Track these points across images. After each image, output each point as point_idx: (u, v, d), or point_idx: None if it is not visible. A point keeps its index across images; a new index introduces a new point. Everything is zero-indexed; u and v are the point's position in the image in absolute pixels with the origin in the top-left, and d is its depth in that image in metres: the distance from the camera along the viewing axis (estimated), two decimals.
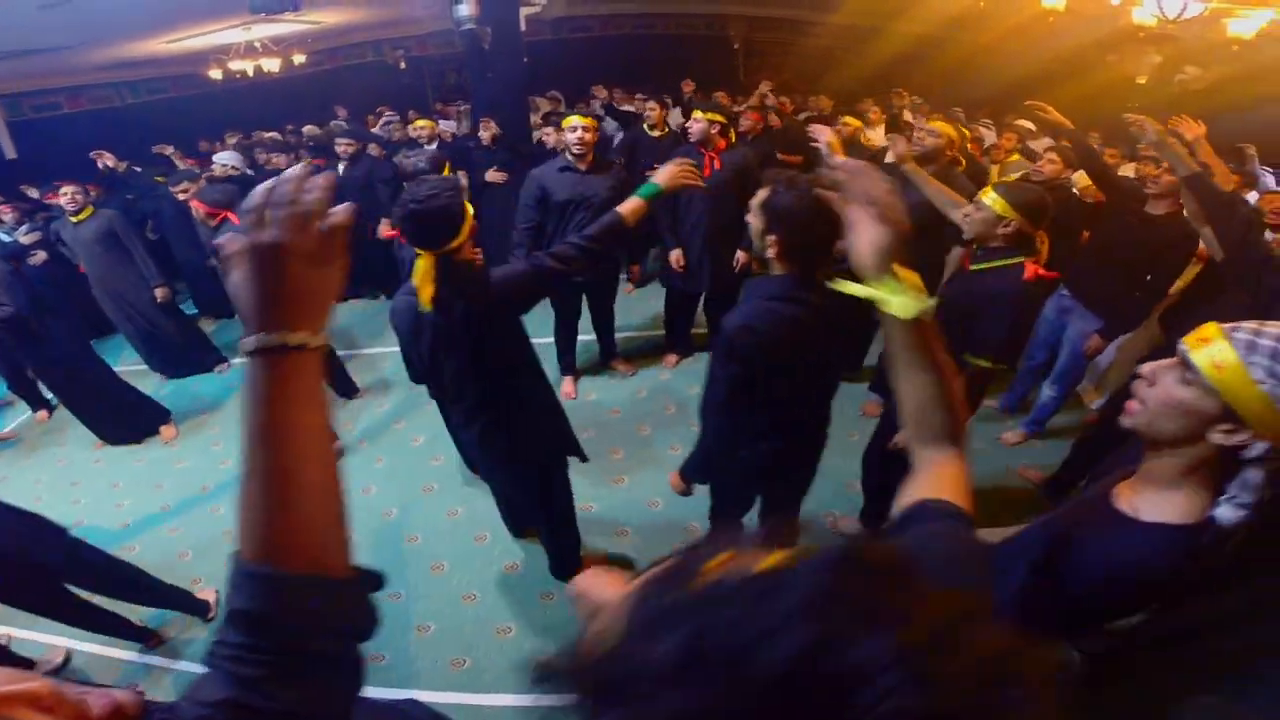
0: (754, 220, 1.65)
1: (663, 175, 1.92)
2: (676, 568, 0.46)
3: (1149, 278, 2.90)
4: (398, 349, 2.05)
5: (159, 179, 4.95)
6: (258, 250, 0.61)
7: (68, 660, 2.47)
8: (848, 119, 4.39)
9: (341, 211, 0.65)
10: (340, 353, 4.57)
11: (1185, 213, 2.60)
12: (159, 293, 4.15)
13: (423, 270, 1.77)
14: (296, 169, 0.64)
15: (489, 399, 2.01)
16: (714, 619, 0.36)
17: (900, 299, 0.81)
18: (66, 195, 4.01)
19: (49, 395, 4.35)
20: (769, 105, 5.42)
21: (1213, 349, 0.92)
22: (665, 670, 0.35)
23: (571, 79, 7.44)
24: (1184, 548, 0.97)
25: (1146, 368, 1.04)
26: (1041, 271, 1.98)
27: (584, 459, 2.31)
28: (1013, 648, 0.35)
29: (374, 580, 0.72)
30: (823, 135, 2.48)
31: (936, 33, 8.11)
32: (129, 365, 4.53)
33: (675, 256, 3.55)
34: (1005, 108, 4.16)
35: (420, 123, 5.09)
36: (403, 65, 8.83)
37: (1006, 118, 5.51)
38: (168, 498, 3.32)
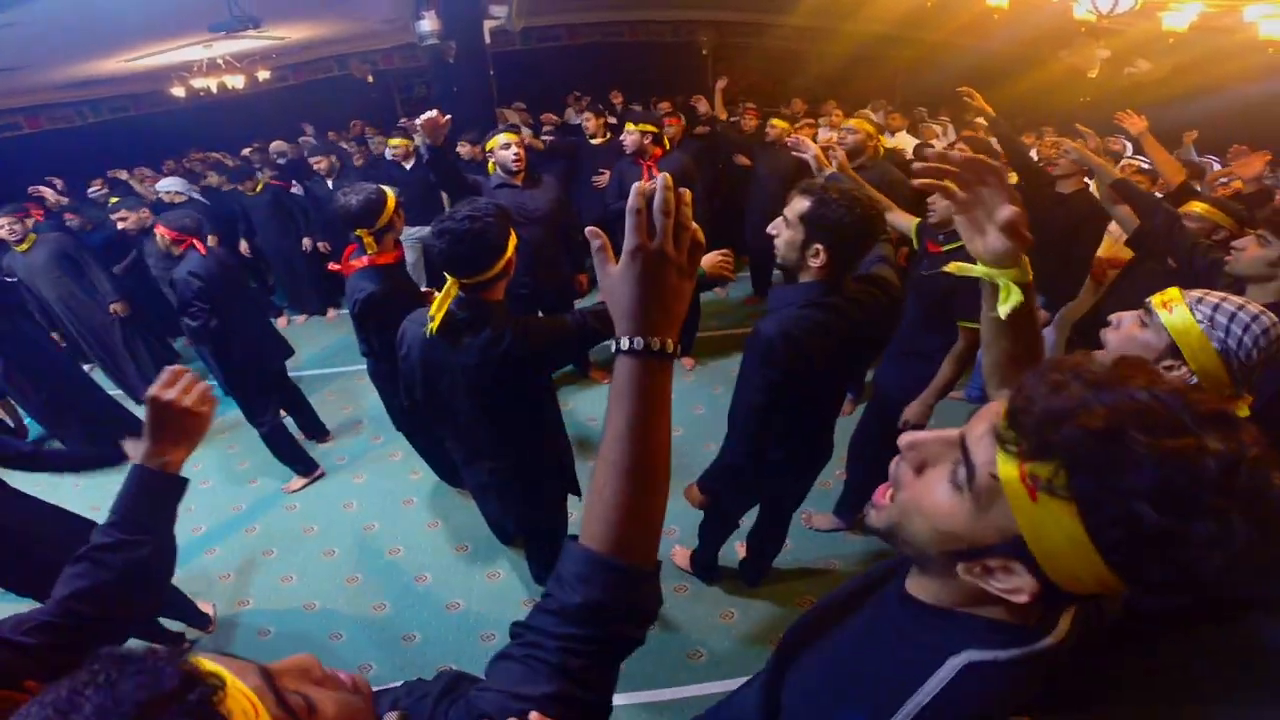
0: (790, 232, 1.63)
1: (707, 261, 1.84)
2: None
3: (1069, 253, 3.16)
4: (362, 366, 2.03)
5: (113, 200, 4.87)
6: (649, 256, 0.65)
7: None
8: (775, 120, 4.50)
9: (698, 230, 0.69)
10: (318, 371, 4.60)
11: (1097, 194, 2.91)
12: (116, 307, 4.12)
13: (442, 297, 1.69)
14: (664, 177, 0.66)
15: (501, 448, 1.94)
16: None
17: (1018, 294, 0.85)
18: (4, 227, 3.86)
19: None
20: (733, 113, 5.52)
21: (1176, 302, 1.17)
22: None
23: (541, 88, 7.49)
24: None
25: (1115, 315, 1.29)
26: None
27: (579, 495, 2.26)
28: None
29: (659, 568, 0.73)
30: (808, 150, 2.52)
31: (891, 31, 8.34)
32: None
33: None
34: (957, 101, 4.38)
35: (395, 142, 5.03)
36: (370, 79, 8.80)
37: (966, 117, 5.69)
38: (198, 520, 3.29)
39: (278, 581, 2.85)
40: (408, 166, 4.91)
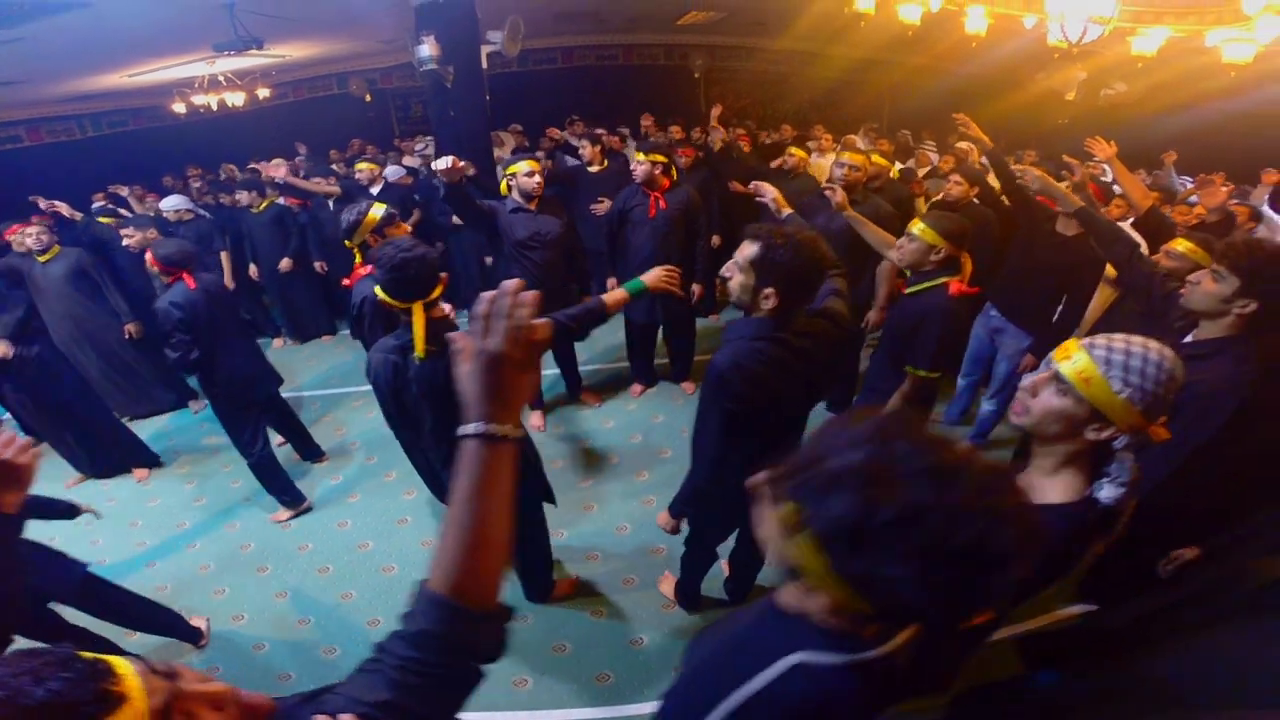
0: (741, 276, 1.72)
1: (649, 277, 2.04)
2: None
3: (1066, 296, 3.12)
4: (369, 387, 2.15)
5: (104, 220, 4.86)
6: (484, 355, 0.77)
7: None
8: (793, 149, 4.61)
9: (543, 326, 0.80)
10: (314, 392, 4.65)
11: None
12: (131, 329, 4.16)
13: (419, 322, 1.90)
14: (512, 283, 0.78)
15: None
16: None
17: None
18: (32, 235, 3.97)
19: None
20: (727, 137, 5.65)
21: (1076, 362, 1.15)
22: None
23: (536, 110, 7.63)
24: (1067, 523, 1.19)
25: (1027, 381, 1.25)
26: (964, 288, 2.22)
27: (554, 504, 2.47)
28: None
29: (509, 613, 0.86)
30: (768, 193, 2.61)
31: (877, 55, 8.57)
32: None
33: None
34: (942, 123, 4.53)
35: (362, 166, 5.20)
36: (368, 98, 8.92)
37: (949, 139, 5.82)
38: (144, 535, 3.37)
39: (272, 597, 2.89)
40: (374, 191, 5.12)
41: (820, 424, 0.75)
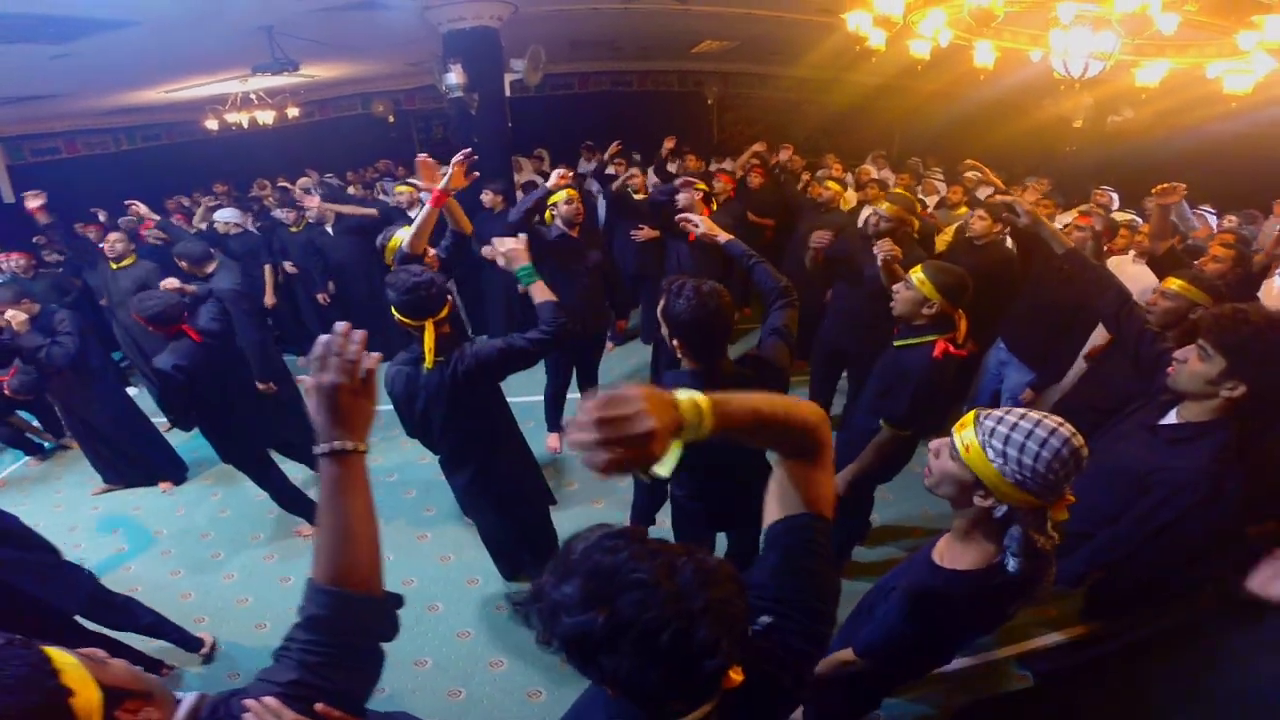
0: (663, 326, 1.78)
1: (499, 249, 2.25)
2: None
3: (1070, 331, 3.08)
4: (389, 408, 2.32)
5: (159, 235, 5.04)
6: (323, 388, 0.94)
7: None
8: (831, 182, 4.59)
9: (372, 360, 0.98)
10: None
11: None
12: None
13: (430, 336, 2.12)
14: (342, 325, 0.97)
15: (468, 447, 2.41)
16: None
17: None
18: (109, 242, 4.19)
19: (40, 441, 4.50)
20: (777, 167, 5.75)
21: (965, 433, 1.18)
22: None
23: (555, 135, 7.83)
24: (969, 589, 1.25)
25: (934, 443, 1.26)
26: (951, 349, 2.11)
27: (554, 502, 2.77)
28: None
29: (397, 600, 1.04)
30: (696, 228, 2.42)
31: (888, 82, 8.72)
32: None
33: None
34: (950, 149, 4.64)
35: (401, 189, 5.13)
36: (391, 119, 9.16)
37: (957, 168, 5.84)
38: (169, 544, 3.50)
39: (294, 607, 2.96)
40: (412, 214, 5.07)
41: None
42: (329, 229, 5.12)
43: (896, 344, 2.29)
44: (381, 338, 1.60)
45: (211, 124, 6.93)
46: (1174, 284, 2.21)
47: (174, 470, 4.05)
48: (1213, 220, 4.72)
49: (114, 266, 4.20)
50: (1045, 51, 3.09)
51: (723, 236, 2.34)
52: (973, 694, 2.31)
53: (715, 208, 4.04)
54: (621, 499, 3.56)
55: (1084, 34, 2.73)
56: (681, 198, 3.74)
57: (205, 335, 2.95)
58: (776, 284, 2.13)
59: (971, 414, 1.20)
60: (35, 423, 4.60)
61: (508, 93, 5.65)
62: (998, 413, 1.17)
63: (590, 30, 7.14)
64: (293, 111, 7.16)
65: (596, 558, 0.75)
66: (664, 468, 0.79)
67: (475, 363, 2.18)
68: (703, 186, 3.81)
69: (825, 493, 1.00)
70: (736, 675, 0.78)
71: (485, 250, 4.29)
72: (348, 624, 0.94)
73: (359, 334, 0.98)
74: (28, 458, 4.45)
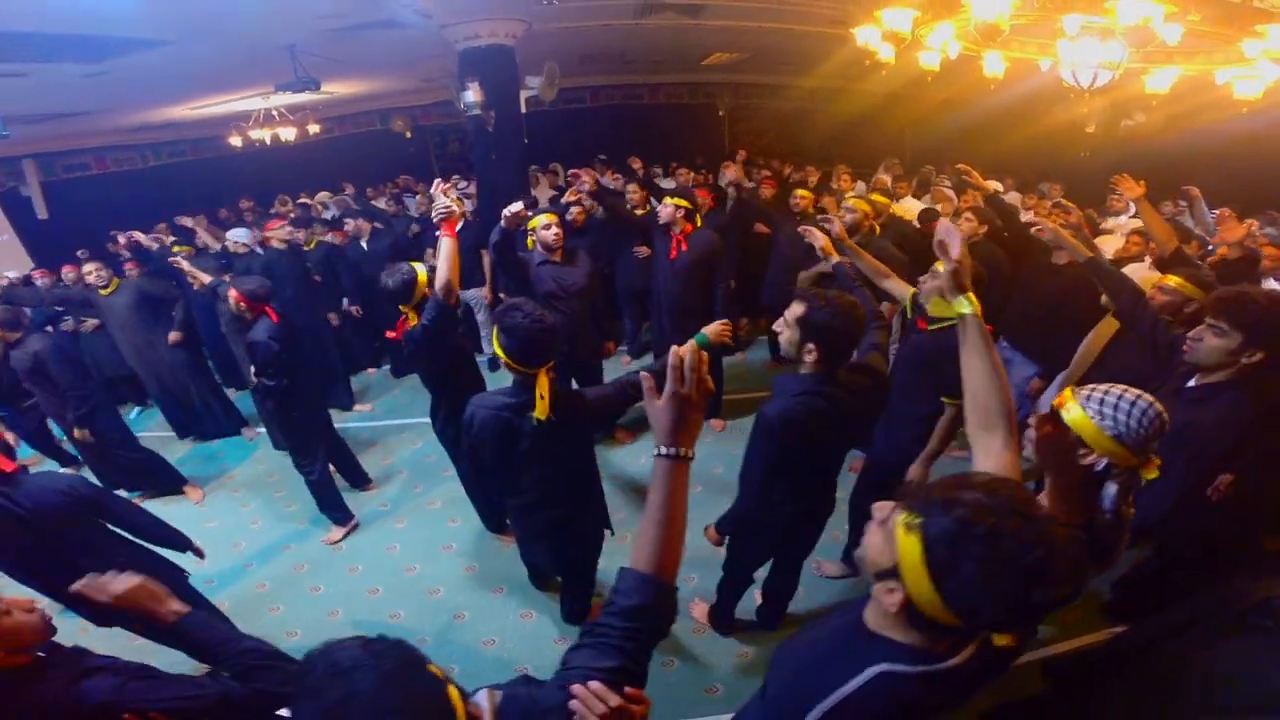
0: (789, 331, 1.95)
1: (711, 331, 2.19)
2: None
3: (1067, 323, 3.23)
4: (416, 420, 2.34)
5: (179, 249, 5.10)
6: (678, 397, 1.05)
7: None
8: (801, 192, 4.82)
9: (709, 382, 1.09)
10: (362, 424, 4.88)
11: None
12: (172, 335, 4.49)
13: (545, 387, 2.02)
14: (692, 346, 1.07)
15: (563, 496, 2.31)
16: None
17: (971, 306, 1.33)
18: (90, 273, 4.32)
19: (73, 452, 4.63)
20: (751, 178, 5.85)
21: (1069, 404, 1.37)
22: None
23: (568, 148, 7.94)
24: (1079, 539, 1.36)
25: (1035, 417, 1.39)
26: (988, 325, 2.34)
27: (613, 533, 2.65)
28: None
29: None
30: (817, 240, 2.73)
31: (899, 90, 8.75)
32: (151, 433, 4.87)
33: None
34: (961, 156, 4.69)
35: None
36: (409, 134, 9.34)
37: (955, 171, 5.89)
38: (248, 557, 3.56)
39: (324, 615, 3.08)
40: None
41: (947, 475, 0.99)
42: (363, 244, 5.28)
43: (931, 328, 2.47)
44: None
45: (235, 140, 7.12)
46: (1171, 281, 2.52)
47: (174, 480, 4.10)
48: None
49: (103, 293, 4.33)
50: (1054, 61, 3.14)
51: (834, 258, 2.69)
52: (997, 696, 2.33)
53: (700, 223, 4.07)
54: (640, 510, 3.62)
55: (1092, 44, 2.79)
56: (662, 213, 3.84)
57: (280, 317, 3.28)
58: (873, 308, 2.37)
59: (1069, 390, 1.40)
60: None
61: (524, 109, 5.77)
62: (1092, 386, 1.37)
63: (601, 44, 7.26)
64: (314, 128, 7.33)
65: (997, 486, 0.91)
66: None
67: (593, 409, 2.14)
68: (684, 203, 3.83)
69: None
70: (1009, 640, 0.96)
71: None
72: (664, 611, 1.05)
73: (704, 354, 1.09)
74: (63, 469, 4.59)
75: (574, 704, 0.91)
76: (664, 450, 1.06)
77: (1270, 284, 3.30)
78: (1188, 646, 1.68)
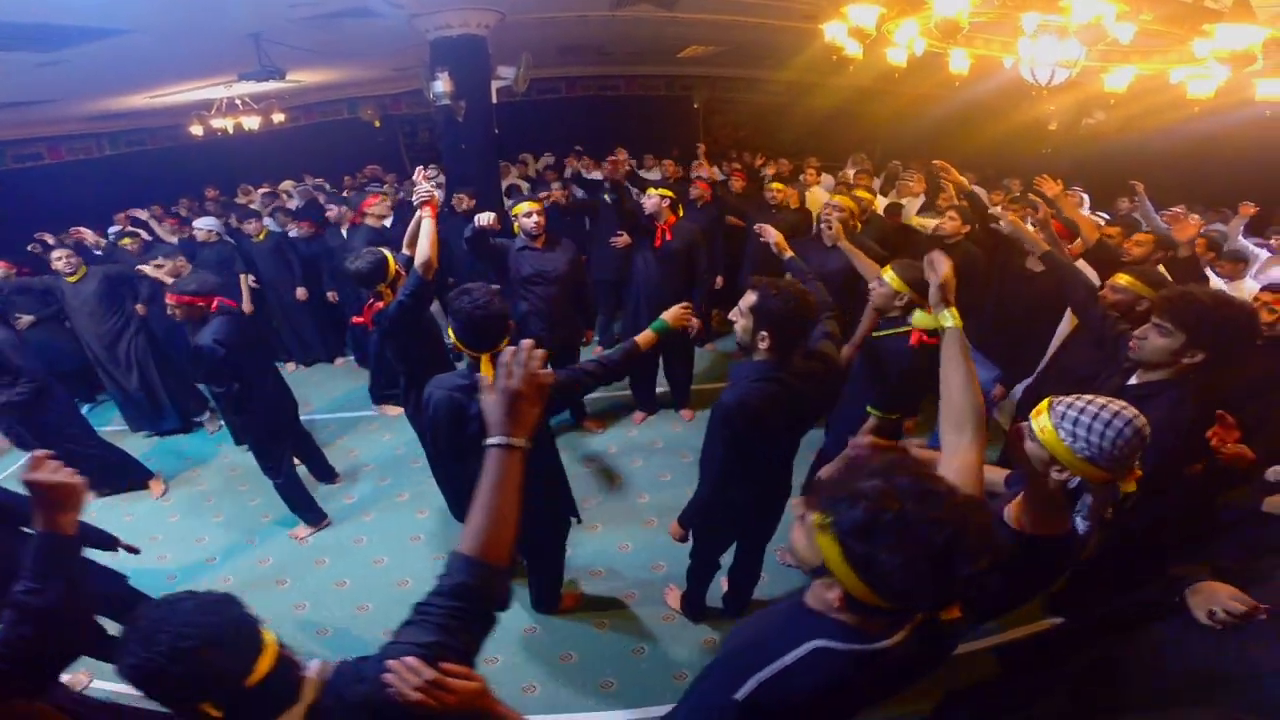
0: (744, 320, 1.98)
1: (670, 316, 2.20)
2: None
3: (1035, 329, 3.31)
4: (378, 412, 2.30)
5: (126, 241, 5.08)
6: (507, 391, 1.11)
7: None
8: (777, 184, 4.89)
9: (548, 375, 1.15)
10: (327, 416, 4.81)
11: None
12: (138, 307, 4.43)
13: (488, 370, 1.95)
14: (527, 343, 1.13)
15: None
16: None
17: (954, 320, 1.39)
18: (61, 260, 4.19)
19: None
20: (721, 171, 5.89)
21: (1041, 418, 1.34)
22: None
23: (542, 139, 7.89)
24: (1063, 550, 1.39)
25: (1023, 426, 1.41)
26: (925, 338, 2.33)
27: (579, 520, 2.66)
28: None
29: (513, 570, 1.18)
30: (770, 235, 2.79)
31: (872, 85, 8.87)
32: (112, 427, 4.74)
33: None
34: (931, 152, 4.79)
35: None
36: (378, 123, 9.19)
37: (932, 167, 5.99)
38: (165, 549, 3.51)
39: (290, 609, 3.04)
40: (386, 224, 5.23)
41: (841, 460, 1.06)
42: (343, 232, 5.23)
43: (875, 335, 2.51)
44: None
45: (196, 129, 6.91)
46: (1122, 279, 2.54)
47: (141, 474, 4.01)
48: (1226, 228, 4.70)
49: (70, 280, 4.21)
50: (1016, 59, 3.21)
51: (787, 253, 2.72)
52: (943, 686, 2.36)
53: (682, 213, 4.15)
54: (611, 499, 3.65)
55: (1050, 42, 2.85)
56: (648, 203, 3.90)
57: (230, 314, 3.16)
58: (825, 299, 2.42)
59: (1046, 401, 1.37)
60: None
61: (494, 100, 5.71)
62: (1069, 399, 1.33)
63: (577, 36, 7.22)
64: (279, 117, 7.15)
65: (897, 468, 0.93)
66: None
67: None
68: (669, 194, 3.93)
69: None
70: (955, 612, 1.00)
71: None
72: (489, 592, 1.08)
73: (540, 351, 1.14)
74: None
75: (387, 676, 0.95)
76: (493, 440, 1.11)
77: (1216, 281, 3.42)
78: (1124, 634, 1.74)
